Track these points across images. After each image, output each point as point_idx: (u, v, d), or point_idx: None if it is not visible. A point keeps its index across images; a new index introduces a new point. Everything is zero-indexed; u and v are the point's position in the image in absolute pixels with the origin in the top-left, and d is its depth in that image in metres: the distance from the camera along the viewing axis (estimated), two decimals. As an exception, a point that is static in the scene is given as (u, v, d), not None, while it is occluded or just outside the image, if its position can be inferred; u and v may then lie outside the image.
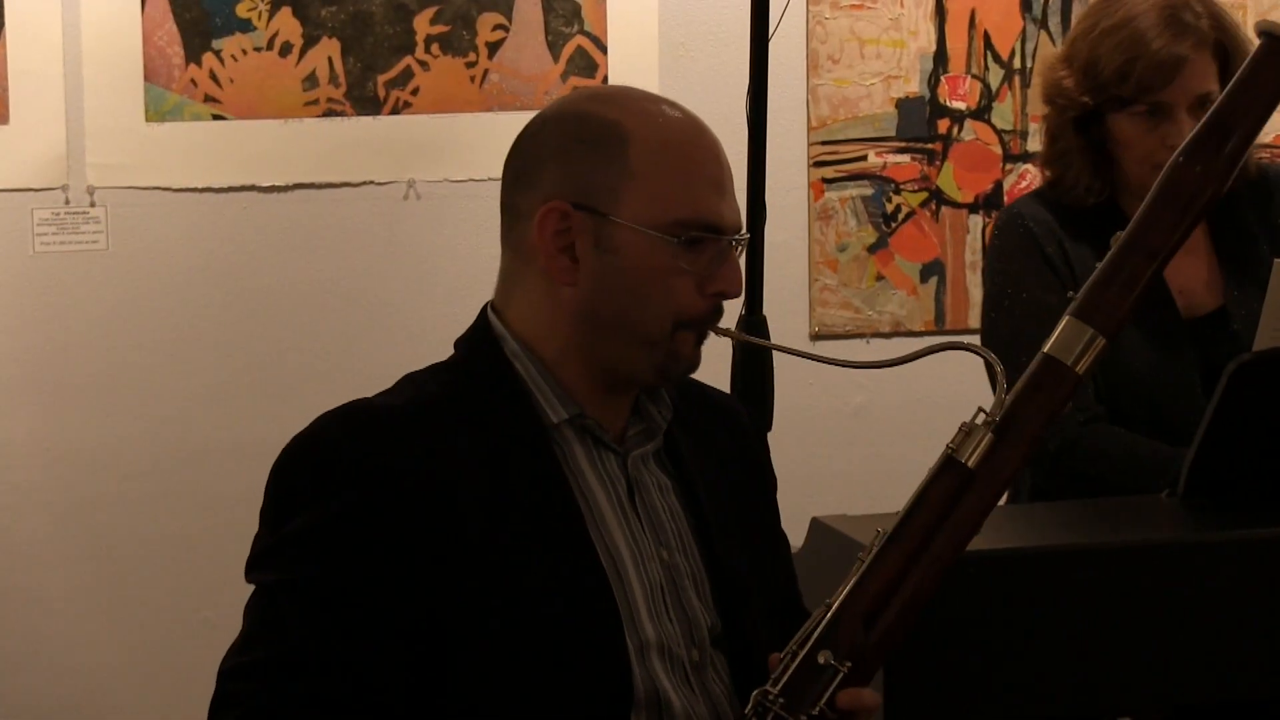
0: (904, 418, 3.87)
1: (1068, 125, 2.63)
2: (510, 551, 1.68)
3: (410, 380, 1.80)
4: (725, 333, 1.80)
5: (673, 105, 1.80)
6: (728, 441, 1.92)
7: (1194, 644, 2.12)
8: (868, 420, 3.87)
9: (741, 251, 1.78)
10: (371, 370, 3.70)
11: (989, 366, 1.73)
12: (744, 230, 1.79)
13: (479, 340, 1.80)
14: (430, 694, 1.66)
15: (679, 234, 1.72)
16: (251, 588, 1.73)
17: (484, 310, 1.83)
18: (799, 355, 1.85)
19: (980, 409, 1.70)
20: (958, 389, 3.43)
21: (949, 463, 1.70)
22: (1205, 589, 2.13)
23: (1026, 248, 2.63)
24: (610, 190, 1.73)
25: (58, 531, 3.66)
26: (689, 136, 1.77)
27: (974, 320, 3.93)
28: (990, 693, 2.08)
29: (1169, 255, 1.74)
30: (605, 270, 1.74)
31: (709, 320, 1.77)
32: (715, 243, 1.74)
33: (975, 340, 3.95)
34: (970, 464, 1.69)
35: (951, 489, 1.69)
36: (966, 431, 1.70)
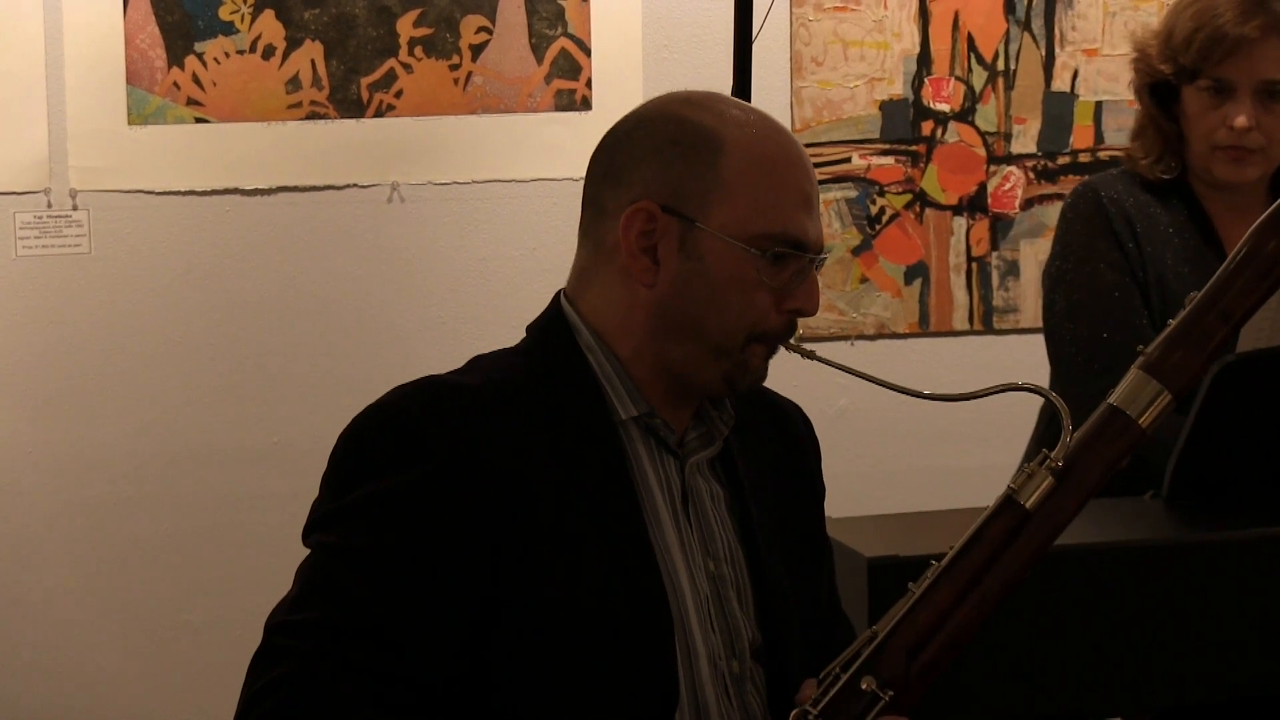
0: (886, 421, 3.88)
1: (1144, 91, 2.71)
2: (573, 542, 1.68)
3: (481, 362, 1.80)
4: (796, 349, 1.79)
5: (766, 117, 1.79)
6: (783, 449, 1.91)
7: (1179, 644, 2.13)
8: (851, 423, 3.87)
9: (820, 270, 1.78)
10: (354, 373, 3.71)
11: (1057, 412, 1.72)
12: (825, 251, 1.79)
13: (553, 328, 1.79)
14: (478, 673, 1.66)
15: (765, 248, 1.72)
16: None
17: (556, 298, 1.82)
18: (868, 379, 1.81)
19: (1045, 451, 1.70)
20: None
21: (1008, 502, 1.70)
22: (1190, 590, 2.14)
23: (1095, 221, 2.68)
24: (700, 197, 1.72)
25: (40, 535, 3.65)
26: (782, 150, 1.76)
27: (959, 322, 3.94)
28: (977, 692, 2.08)
29: (1243, 319, 1.75)
30: (686, 275, 1.73)
31: (782, 336, 1.77)
32: (798, 259, 1.74)
33: (960, 344, 3.95)
34: (1028, 505, 1.69)
35: (1007, 529, 1.69)
36: (1029, 474, 1.70)
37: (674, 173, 1.73)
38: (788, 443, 1.93)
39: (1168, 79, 2.66)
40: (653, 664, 1.69)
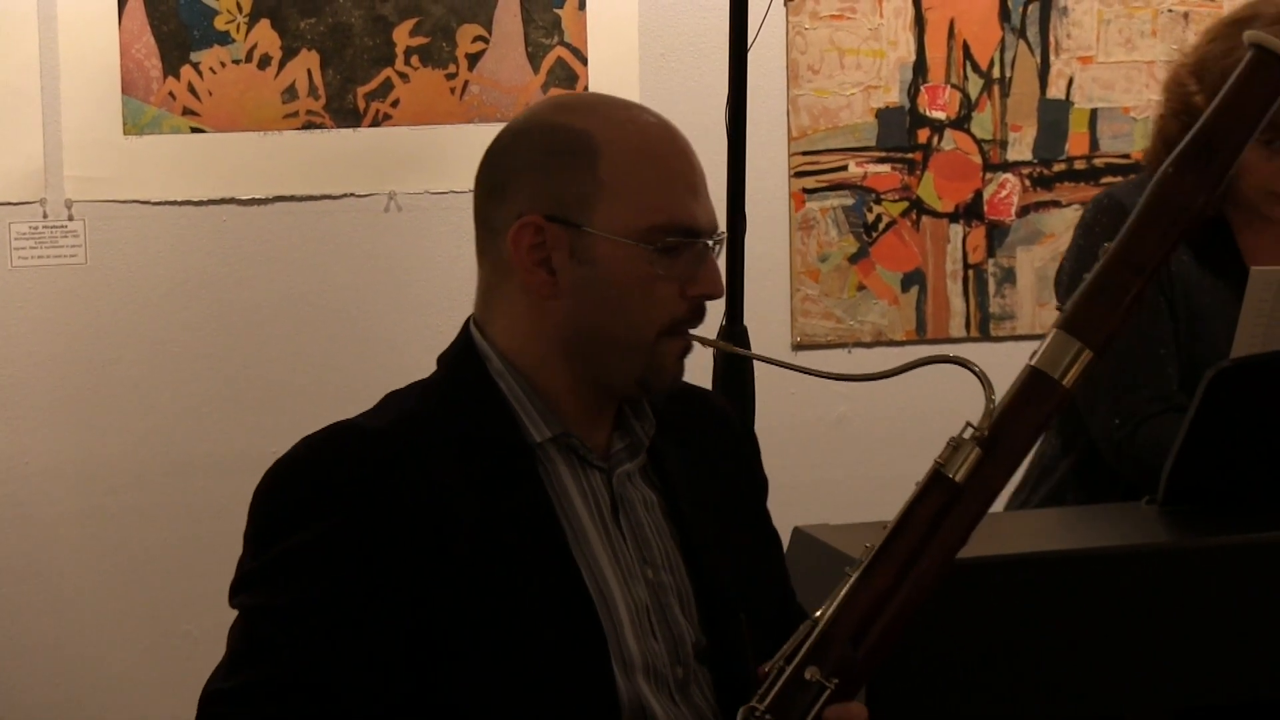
0: (886, 428, 3.88)
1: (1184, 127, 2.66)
2: (495, 575, 1.67)
3: (393, 399, 1.79)
4: (708, 342, 1.79)
5: (642, 110, 1.79)
6: (716, 444, 1.91)
7: (1173, 650, 2.13)
8: (850, 430, 3.87)
9: (719, 251, 1.76)
10: (352, 382, 3.72)
11: (979, 378, 1.71)
12: (720, 230, 1.77)
13: (462, 358, 1.78)
14: (418, 717, 1.66)
15: (655, 240, 1.71)
16: (234, 611, 1.72)
17: (466, 325, 1.81)
18: (780, 365, 1.83)
19: (969, 423, 1.68)
20: (939, 398, 3.44)
21: (936, 478, 1.68)
22: (1184, 596, 2.14)
23: (1120, 225, 2.65)
24: (583, 201, 1.72)
25: (40, 545, 3.65)
26: (659, 141, 1.75)
27: (955, 329, 3.94)
28: (972, 700, 2.08)
29: (1155, 269, 1.72)
30: (584, 282, 1.72)
31: (691, 323, 1.76)
32: (692, 245, 1.73)
33: (956, 352, 3.95)
34: (957, 479, 1.67)
35: (939, 504, 1.68)
36: (955, 446, 1.68)
37: (554, 181, 1.73)
38: (720, 437, 1.92)
39: None
40: (589, 681, 1.69)
